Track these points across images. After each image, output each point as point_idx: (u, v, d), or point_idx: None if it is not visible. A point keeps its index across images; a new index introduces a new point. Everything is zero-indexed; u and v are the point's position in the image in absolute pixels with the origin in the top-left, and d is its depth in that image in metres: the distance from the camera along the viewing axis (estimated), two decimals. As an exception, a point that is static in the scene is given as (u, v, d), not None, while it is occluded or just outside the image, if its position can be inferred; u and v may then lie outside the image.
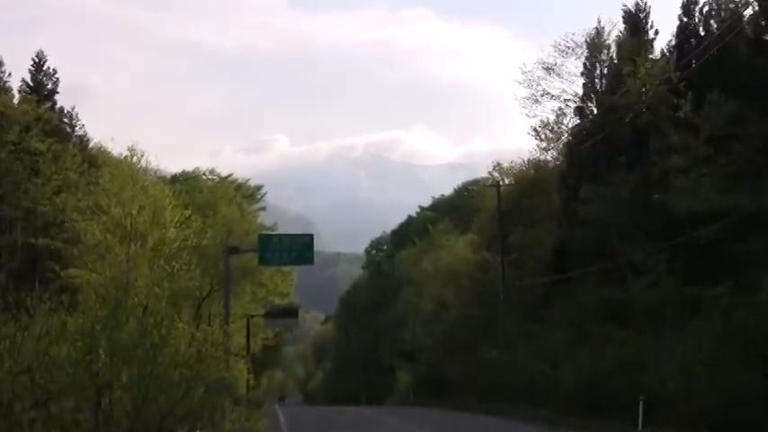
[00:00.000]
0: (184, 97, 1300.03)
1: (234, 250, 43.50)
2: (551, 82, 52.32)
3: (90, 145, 58.60)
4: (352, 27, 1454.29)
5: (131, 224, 44.23)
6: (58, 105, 54.66)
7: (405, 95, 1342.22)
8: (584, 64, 50.79)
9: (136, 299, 26.98)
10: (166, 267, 45.43)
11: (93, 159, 54.55)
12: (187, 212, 50.24)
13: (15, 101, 50.21)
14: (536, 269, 52.01)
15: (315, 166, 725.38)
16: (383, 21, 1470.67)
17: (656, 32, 47.34)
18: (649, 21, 47.47)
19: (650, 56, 45.92)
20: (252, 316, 62.09)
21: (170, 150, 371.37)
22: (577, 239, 46.49)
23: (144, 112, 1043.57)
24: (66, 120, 56.21)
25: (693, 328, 30.89)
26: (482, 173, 80.00)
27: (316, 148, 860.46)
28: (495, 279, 55.39)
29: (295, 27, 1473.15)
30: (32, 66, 53.81)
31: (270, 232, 66.43)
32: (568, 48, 51.24)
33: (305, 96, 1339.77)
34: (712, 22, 42.56)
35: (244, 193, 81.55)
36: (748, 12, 40.15)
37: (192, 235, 49.56)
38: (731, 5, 41.55)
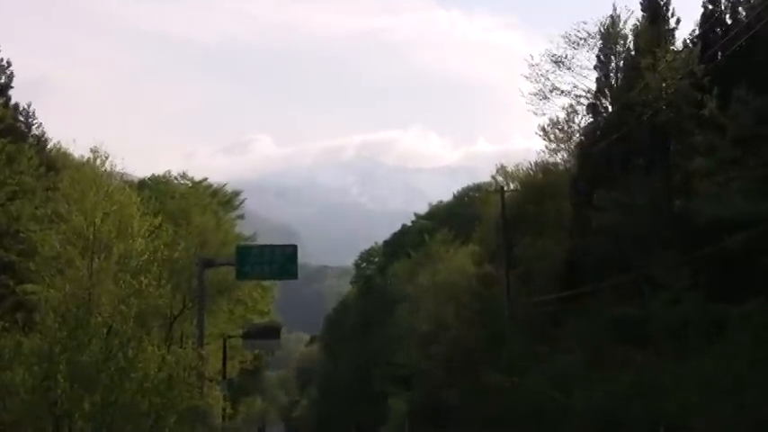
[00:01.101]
0: (155, 93, 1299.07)
1: (209, 263, 43.35)
2: (561, 76, 52.43)
3: (48, 146, 58.42)
4: (342, 15, 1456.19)
5: (94, 234, 44.00)
6: (12, 101, 54.44)
7: (400, 92, 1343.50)
8: (598, 56, 50.88)
9: (99, 318, 26.88)
10: (133, 282, 45.05)
11: (52, 162, 54.37)
12: (157, 221, 50.03)
13: (-37, 96, 50.01)
14: (544, 284, 51.99)
15: (300, 170, 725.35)
16: (376, 8, 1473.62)
17: (678, 21, 47.45)
18: (670, 8, 47.57)
19: (671, 47, 45.98)
20: (229, 336, 61.90)
21: (138, 152, 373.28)
22: (590, 251, 46.51)
23: (109, 110, 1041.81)
24: (21, 118, 55.98)
25: (719, 350, 30.92)
26: (485, 177, 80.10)
27: (301, 149, 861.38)
28: (499, 295, 55.33)
29: (278, 15, 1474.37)
30: (-17, 58, 53.60)
31: (249, 243, 66.28)
32: (580, 38, 51.33)
33: (290, 92, 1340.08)
34: (740, 9, 42.65)
35: (220, 200, 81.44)
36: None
37: (162, 246, 49.26)
38: (761, -9, 41.63)
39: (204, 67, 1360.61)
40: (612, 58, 50.59)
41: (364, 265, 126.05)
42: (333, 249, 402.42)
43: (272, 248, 42.27)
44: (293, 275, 41.15)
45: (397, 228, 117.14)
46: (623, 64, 49.91)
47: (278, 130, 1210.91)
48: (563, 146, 55.44)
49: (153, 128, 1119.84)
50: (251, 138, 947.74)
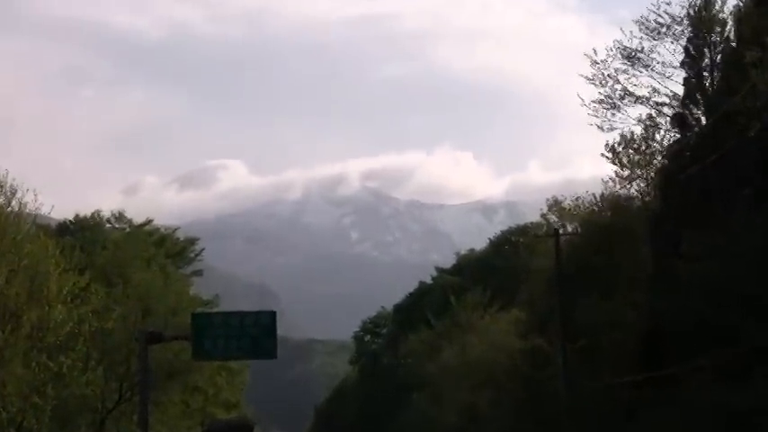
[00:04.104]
0: (82, 104, 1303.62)
1: (155, 338, 43.17)
2: (636, 77, 52.43)
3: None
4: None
5: (-3, 299, 44.05)
6: None
7: (419, 100, 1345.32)
8: (686, 49, 50.89)
9: (3, 413, 26.66)
10: (50, 364, 45.17)
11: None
12: (83, 280, 50.09)
13: None
14: (615, 362, 51.82)
15: (282, 207, 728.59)
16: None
17: (796, 0, 47.49)
18: (783, -17, 47.63)
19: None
20: (183, 438, 61.90)
21: (58, 185, 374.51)
22: (678, 315, 46.30)
23: (18, 128, 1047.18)
24: None
25: None
26: (533, 215, 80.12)
27: (285, 180, 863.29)
28: (553, 377, 55.15)
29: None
30: None
31: (210, 309, 66.25)
32: (661, 25, 51.34)
33: (269, 103, 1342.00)
34: None
35: (169, 250, 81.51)
36: None
37: (89, 315, 49.35)
38: None
39: (149, 70, 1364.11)
40: (706, 51, 50.61)
41: (368, 337, 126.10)
42: (324, 316, 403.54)
43: (242, 316, 42.11)
44: (271, 354, 40.98)
45: (413, 286, 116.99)
46: (721, 59, 49.88)
47: (254, 154, 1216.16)
48: (639, 172, 55.31)
49: (79, 152, 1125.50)
50: (217, 164, 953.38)
